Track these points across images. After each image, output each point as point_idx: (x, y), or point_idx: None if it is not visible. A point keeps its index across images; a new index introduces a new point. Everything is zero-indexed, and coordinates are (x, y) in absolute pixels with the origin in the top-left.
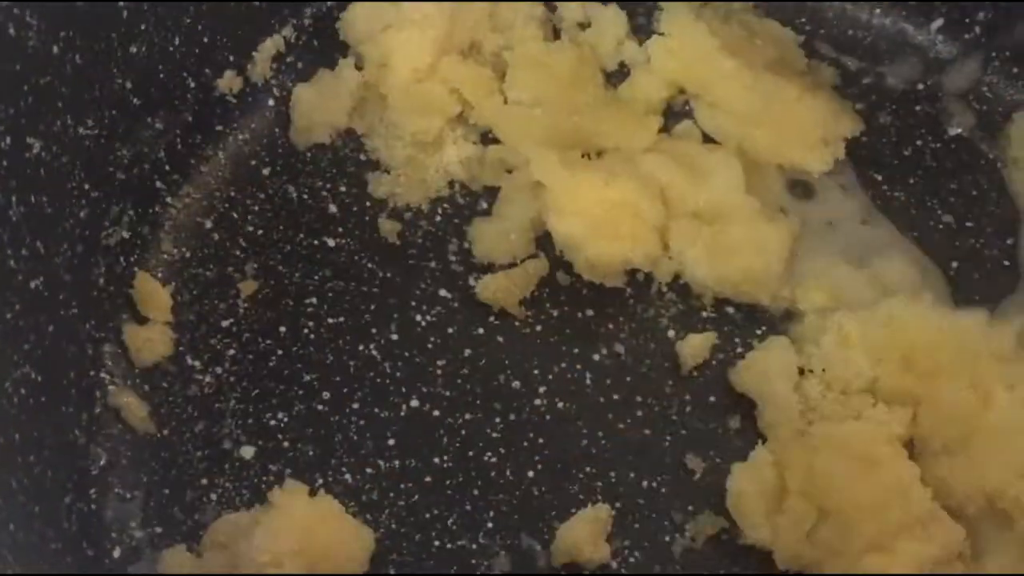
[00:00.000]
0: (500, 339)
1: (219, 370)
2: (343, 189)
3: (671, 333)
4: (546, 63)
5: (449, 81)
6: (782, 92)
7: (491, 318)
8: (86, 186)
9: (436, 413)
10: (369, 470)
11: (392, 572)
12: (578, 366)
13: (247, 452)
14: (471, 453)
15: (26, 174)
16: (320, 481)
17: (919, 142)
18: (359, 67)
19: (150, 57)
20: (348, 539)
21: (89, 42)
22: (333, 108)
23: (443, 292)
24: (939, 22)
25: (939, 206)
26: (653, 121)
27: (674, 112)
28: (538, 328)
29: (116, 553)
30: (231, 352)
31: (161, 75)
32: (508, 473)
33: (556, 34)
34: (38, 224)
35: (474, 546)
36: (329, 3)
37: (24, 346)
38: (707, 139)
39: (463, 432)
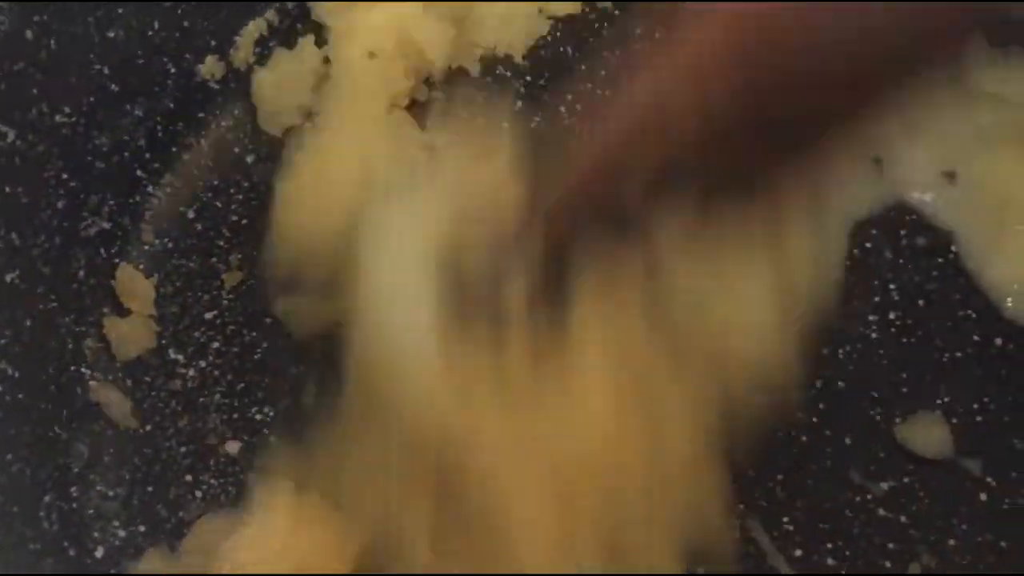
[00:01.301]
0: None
1: (203, 363)
2: None
3: None
4: None
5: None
6: None
7: None
8: (64, 175)
9: None
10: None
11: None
12: None
13: (232, 447)
14: None
15: (0, 163)
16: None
17: None
18: (319, 44)
19: (128, 42)
20: (334, 538)
21: (64, 26)
22: (296, 89)
23: None
24: None
25: None
26: None
27: None
28: None
29: (99, 553)
30: (215, 345)
31: (140, 61)
32: None
33: None
34: (13, 215)
35: None
36: None
37: (0, 341)
38: None
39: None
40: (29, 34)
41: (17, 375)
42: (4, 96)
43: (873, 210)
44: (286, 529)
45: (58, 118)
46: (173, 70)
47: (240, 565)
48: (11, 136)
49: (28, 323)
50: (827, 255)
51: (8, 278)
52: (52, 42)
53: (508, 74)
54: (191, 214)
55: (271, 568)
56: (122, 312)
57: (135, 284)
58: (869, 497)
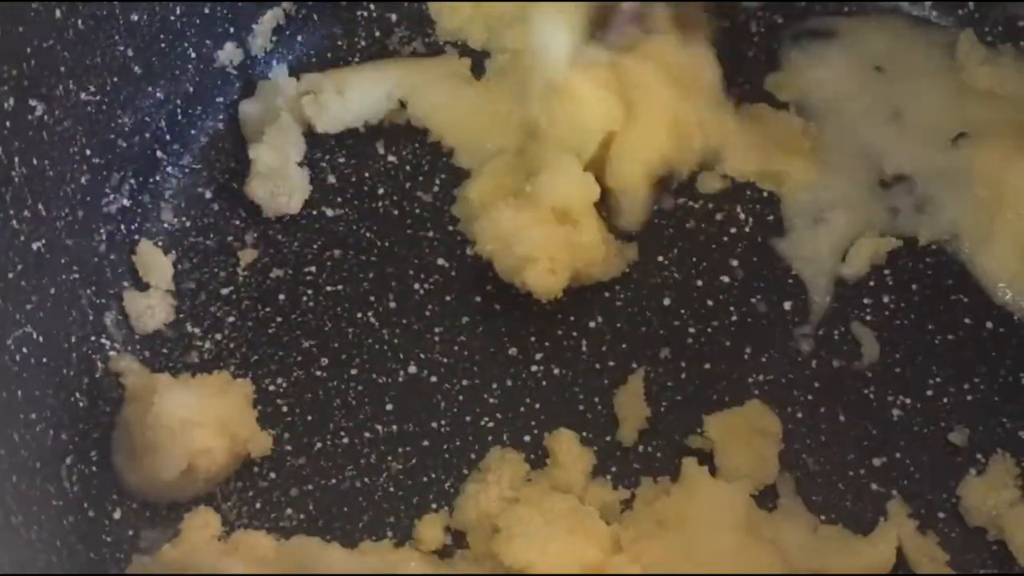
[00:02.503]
0: (497, 307)
1: (218, 337)
2: (341, 160)
3: (666, 301)
4: None
5: None
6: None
7: (488, 286)
8: (87, 152)
9: (434, 379)
10: (367, 434)
11: (389, 535)
12: (574, 333)
13: None
14: (468, 418)
15: (28, 136)
16: (319, 444)
17: None
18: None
19: (151, 26)
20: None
21: (91, 7)
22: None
23: (441, 261)
24: None
25: None
26: None
27: None
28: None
29: (116, 515)
30: (230, 319)
31: (162, 44)
32: (504, 437)
33: None
34: (40, 186)
35: None
36: None
37: (26, 306)
38: None
39: (460, 398)
40: (58, 13)
41: (41, 340)
42: (33, 72)
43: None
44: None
45: (83, 96)
46: (193, 55)
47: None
48: (40, 110)
49: (52, 291)
50: None
51: (34, 246)
52: (79, 22)
53: None
54: (208, 194)
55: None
56: (141, 286)
57: (154, 260)
58: (862, 472)
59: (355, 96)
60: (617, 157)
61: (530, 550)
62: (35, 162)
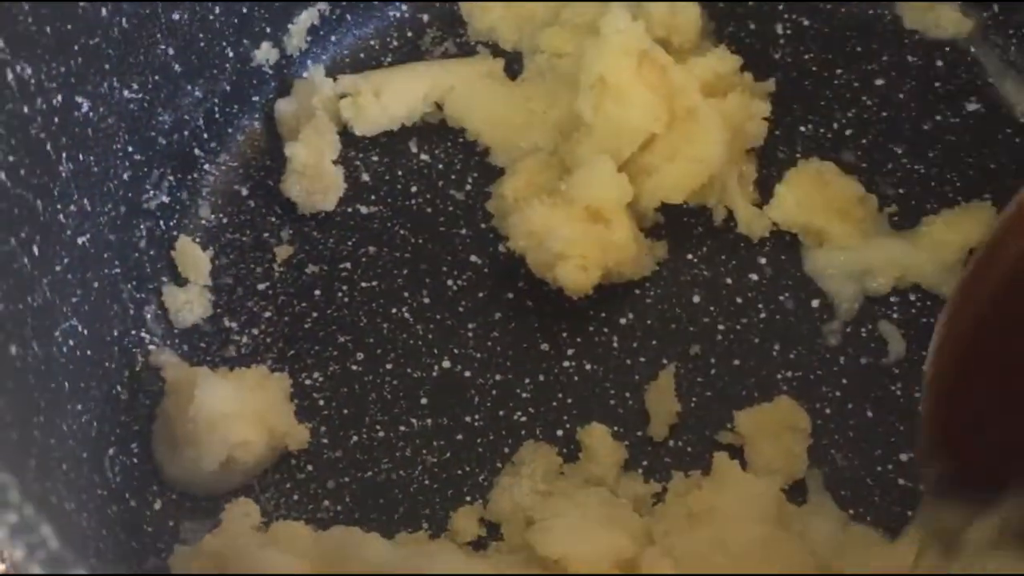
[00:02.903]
0: (529, 303)
1: (255, 331)
2: (375, 159)
3: (696, 299)
4: None
5: None
6: None
7: (520, 283)
8: (129, 148)
9: (467, 374)
10: (402, 428)
11: (424, 526)
12: (605, 329)
13: None
14: (501, 412)
15: (75, 132)
16: (355, 438)
17: (938, 117)
18: None
19: (191, 25)
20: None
21: (135, 6)
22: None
23: (473, 258)
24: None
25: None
26: None
27: None
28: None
29: (157, 505)
30: (267, 314)
31: (201, 43)
32: (537, 431)
33: None
34: (85, 181)
35: None
36: None
37: (72, 299)
38: None
39: (493, 392)
40: (104, 12)
41: (86, 332)
42: (80, 69)
43: None
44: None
45: (126, 93)
46: (231, 54)
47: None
48: (85, 107)
49: (96, 285)
50: None
51: (80, 241)
52: (123, 20)
53: None
54: (245, 191)
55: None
56: (180, 282)
57: (193, 256)
58: (890, 467)
59: (392, 98)
60: (654, 161)
61: (564, 541)
62: (81, 158)
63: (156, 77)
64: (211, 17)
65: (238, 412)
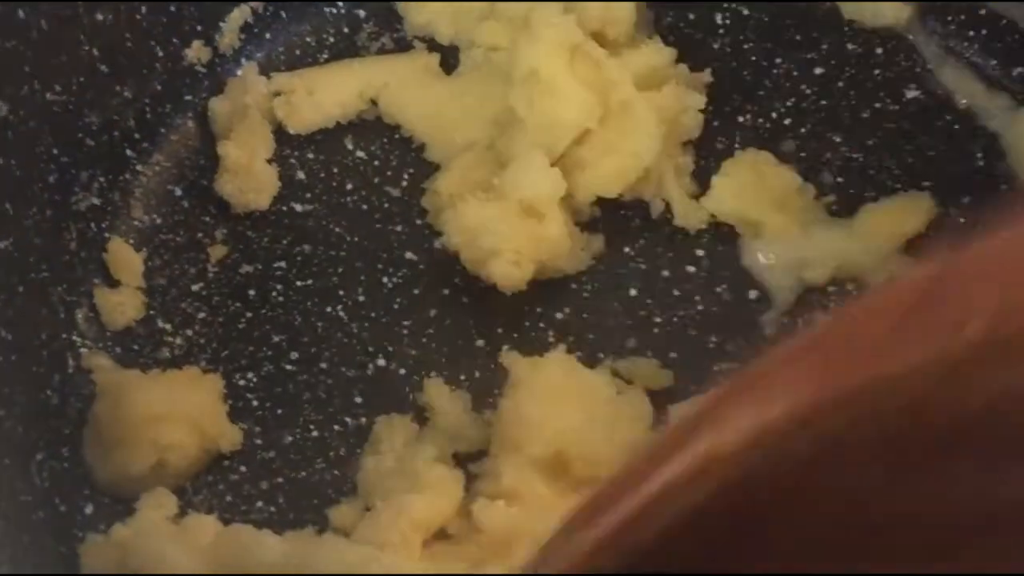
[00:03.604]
0: (465, 299)
1: (189, 332)
2: (310, 156)
3: (632, 292)
4: None
5: None
6: None
7: (456, 279)
8: (55, 151)
9: (402, 371)
10: (337, 427)
11: None
12: (541, 324)
13: None
14: None
15: None
16: (289, 438)
17: (877, 105)
18: None
19: (117, 25)
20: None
21: (54, 8)
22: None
23: (409, 254)
24: None
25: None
26: None
27: None
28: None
29: (88, 509)
30: (201, 315)
31: (129, 43)
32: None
33: None
34: (6, 186)
35: None
36: None
37: None
38: None
39: None
40: (21, 13)
41: (11, 338)
42: None
43: None
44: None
45: (49, 96)
46: (161, 54)
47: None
48: (4, 110)
49: (21, 289)
50: None
51: (2, 245)
52: (42, 22)
53: None
54: (178, 192)
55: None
56: (112, 283)
57: (125, 257)
58: None
59: (326, 96)
60: (589, 156)
61: None
62: (0, 161)
63: (81, 79)
64: (138, 17)
65: (169, 414)
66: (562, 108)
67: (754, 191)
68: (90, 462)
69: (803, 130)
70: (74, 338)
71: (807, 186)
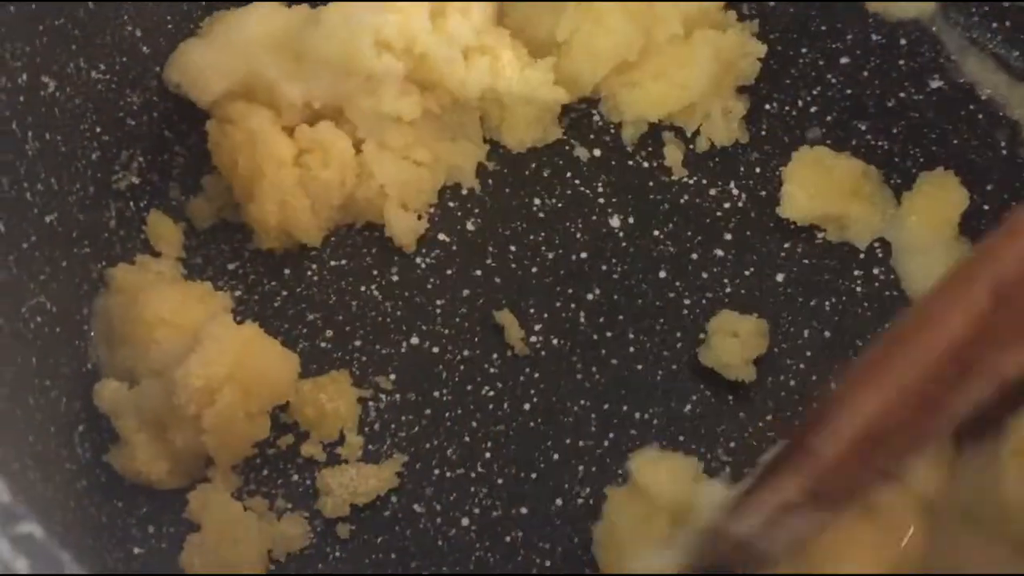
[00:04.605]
0: (497, 280)
1: None
2: None
3: (662, 274)
4: None
5: None
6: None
7: (488, 260)
8: (97, 129)
9: (435, 350)
10: (371, 403)
11: (393, 500)
12: (572, 305)
13: None
14: (469, 387)
15: (41, 112)
16: None
17: (902, 94)
18: None
19: (159, 7)
20: (275, 363)
21: None
22: None
23: (442, 236)
24: None
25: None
26: None
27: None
28: (533, 270)
29: (127, 483)
30: (237, 294)
31: (170, 26)
32: (505, 406)
33: None
34: (52, 161)
35: (472, 474)
36: None
37: (40, 276)
38: None
39: (461, 368)
40: None
41: (54, 310)
42: (46, 49)
43: None
44: (232, 355)
45: (94, 74)
46: None
47: (191, 392)
48: (51, 87)
49: (64, 264)
50: None
51: (48, 219)
52: (89, 2)
53: None
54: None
55: (222, 394)
56: (154, 255)
57: (165, 228)
58: None
59: None
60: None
61: None
62: (47, 137)
63: (124, 59)
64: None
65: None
66: (602, 38)
67: (826, 187)
68: (100, 357)
69: (829, 118)
70: None
71: (870, 168)
